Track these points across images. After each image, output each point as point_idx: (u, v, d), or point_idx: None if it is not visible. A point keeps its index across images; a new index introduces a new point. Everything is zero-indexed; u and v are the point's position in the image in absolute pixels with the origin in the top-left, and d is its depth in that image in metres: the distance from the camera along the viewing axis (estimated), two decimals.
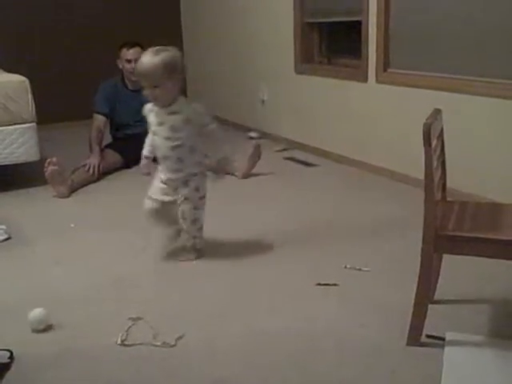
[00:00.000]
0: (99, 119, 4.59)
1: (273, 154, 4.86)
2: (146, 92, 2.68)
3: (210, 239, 3.08)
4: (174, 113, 2.69)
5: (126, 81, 4.67)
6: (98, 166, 4.30)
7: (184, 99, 2.76)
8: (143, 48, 4.58)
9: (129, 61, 4.55)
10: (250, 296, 2.53)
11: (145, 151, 2.90)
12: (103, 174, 4.42)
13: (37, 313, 2.29)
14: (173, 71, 2.64)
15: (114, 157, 4.55)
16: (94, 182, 4.32)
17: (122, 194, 4.03)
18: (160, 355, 2.10)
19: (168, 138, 2.70)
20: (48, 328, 2.29)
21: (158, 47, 2.67)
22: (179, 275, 2.75)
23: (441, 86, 3.58)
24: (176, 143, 2.69)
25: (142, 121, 4.81)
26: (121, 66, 4.63)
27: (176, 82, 2.68)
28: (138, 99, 4.64)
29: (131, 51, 4.56)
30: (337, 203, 3.68)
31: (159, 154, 2.78)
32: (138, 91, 4.65)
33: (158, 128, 2.74)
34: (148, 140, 2.88)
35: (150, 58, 2.64)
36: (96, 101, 4.66)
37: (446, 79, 3.56)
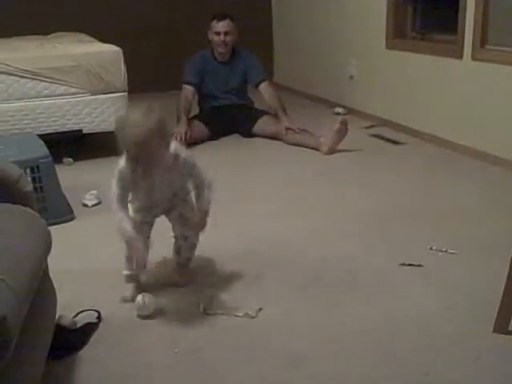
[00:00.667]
0: (187, 89, 4.65)
1: (359, 131, 4.78)
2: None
3: (290, 216, 3.08)
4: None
5: (215, 53, 4.69)
6: (186, 135, 4.36)
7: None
8: (233, 20, 4.59)
9: (218, 33, 4.57)
10: (332, 273, 2.51)
11: None
12: (190, 144, 4.48)
13: (140, 299, 2.21)
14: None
15: (200, 128, 4.60)
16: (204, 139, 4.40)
17: (208, 165, 4.06)
18: (241, 326, 2.13)
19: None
20: (156, 313, 2.24)
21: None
22: (260, 251, 2.76)
23: None
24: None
25: (230, 93, 4.85)
26: (210, 38, 4.66)
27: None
28: (226, 71, 4.68)
29: (221, 23, 4.57)
30: (424, 183, 3.58)
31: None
32: (226, 63, 4.69)
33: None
34: None
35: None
36: (185, 71, 4.72)
37: None
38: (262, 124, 4.64)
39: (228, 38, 4.58)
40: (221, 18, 4.61)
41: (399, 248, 2.70)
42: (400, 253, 2.64)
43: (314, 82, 6.15)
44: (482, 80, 3.91)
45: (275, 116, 4.63)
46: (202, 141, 4.59)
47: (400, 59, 4.72)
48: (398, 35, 4.77)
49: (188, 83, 4.66)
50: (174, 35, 6.37)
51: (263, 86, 4.66)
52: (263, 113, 4.70)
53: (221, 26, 4.57)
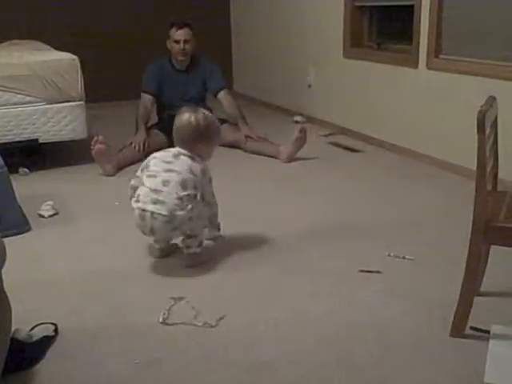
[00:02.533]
0: (146, 98, 4.62)
1: (318, 139, 4.83)
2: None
3: (252, 223, 3.08)
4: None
5: (174, 61, 4.68)
6: (144, 144, 4.33)
7: None
8: (192, 29, 4.59)
9: (177, 41, 4.56)
10: (292, 280, 2.52)
11: None
12: (149, 153, 4.45)
13: None
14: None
15: (159, 137, 4.57)
16: (141, 160, 4.34)
17: None
18: (201, 335, 2.11)
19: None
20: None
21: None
22: (222, 258, 2.76)
23: (494, 73, 3.48)
24: None
25: (189, 101, 4.84)
26: (169, 46, 4.64)
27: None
28: (184, 80, 4.67)
29: (180, 32, 4.56)
30: (381, 191, 3.63)
31: None
32: (185, 72, 4.68)
33: None
34: None
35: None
36: (143, 80, 4.69)
37: (501, 67, 3.47)
38: (222, 132, 4.63)
39: (187, 46, 4.57)
40: (180, 26, 4.59)
41: (358, 255, 2.73)
42: (358, 260, 2.67)
43: (273, 91, 6.18)
44: (436, 88, 3.99)
45: (234, 124, 4.64)
46: (161, 149, 4.54)
47: (357, 68, 4.78)
48: (355, 44, 4.84)
49: (146, 92, 4.63)
50: (134, 44, 6.34)
51: (222, 95, 4.66)
52: (222, 121, 4.70)
53: (180, 34, 4.56)
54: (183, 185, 2.48)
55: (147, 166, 2.61)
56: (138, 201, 2.54)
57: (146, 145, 4.35)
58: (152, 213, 2.47)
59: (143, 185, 2.54)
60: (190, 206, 2.47)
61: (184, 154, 2.58)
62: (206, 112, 2.70)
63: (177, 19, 4.72)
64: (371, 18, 4.83)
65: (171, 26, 4.63)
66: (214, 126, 2.68)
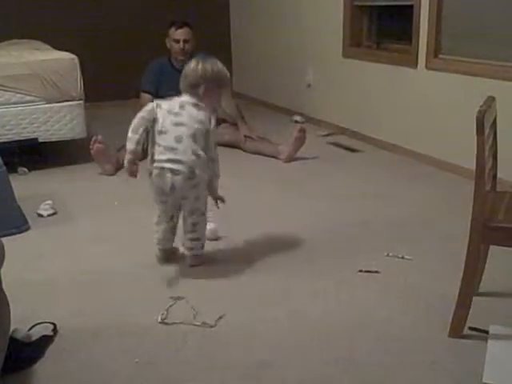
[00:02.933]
0: (145, 98, 4.61)
1: (317, 139, 4.83)
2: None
3: (251, 223, 3.09)
4: None
5: (173, 60, 4.68)
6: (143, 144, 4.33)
7: None
8: (192, 28, 4.59)
9: (177, 40, 4.56)
10: (291, 280, 2.52)
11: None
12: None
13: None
14: None
15: None
16: (140, 160, 4.35)
17: None
18: (200, 335, 2.12)
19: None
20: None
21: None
22: (221, 258, 2.76)
23: (494, 73, 3.48)
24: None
25: None
26: (169, 46, 4.65)
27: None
28: None
29: (180, 31, 4.57)
30: (380, 190, 3.63)
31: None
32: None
33: None
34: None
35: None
36: (143, 80, 4.69)
37: (500, 67, 3.47)
38: (221, 132, 4.63)
39: (187, 46, 4.57)
40: (179, 25, 4.61)
41: (357, 255, 2.73)
42: (358, 259, 2.67)
43: (272, 91, 6.18)
44: (435, 88, 3.99)
45: (234, 124, 4.63)
46: None
47: (356, 68, 4.78)
48: (354, 44, 4.84)
49: (146, 91, 4.63)
50: (134, 43, 6.33)
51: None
52: (221, 121, 4.70)
53: (180, 33, 4.57)
54: (194, 138, 2.45)
55: (155, 118, 2.51)
56: (154, 161, 2.48)
57: (145, 145, 4.35)
58: (171, 170, 2.43)
59: (155, 143, 2.49)
60: (204, 164, 2.49)
61: (189, 103, 2.51)
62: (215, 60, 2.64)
63: (176, 19, 4.73)
64: (370, 18, 4.83)
65: (171, 25, 4.64)
66: (223, 72, 2.62)
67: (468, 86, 3.68)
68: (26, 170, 4.05)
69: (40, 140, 4.06)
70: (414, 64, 4.13)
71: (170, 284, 2.50)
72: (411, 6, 4.09)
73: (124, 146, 4.28)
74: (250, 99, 6.47)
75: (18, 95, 3.95)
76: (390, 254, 2.70)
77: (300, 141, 4.25)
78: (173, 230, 2.67)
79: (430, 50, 3.96)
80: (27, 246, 2.91)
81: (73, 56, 4.14)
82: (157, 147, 2.48)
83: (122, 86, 5.98)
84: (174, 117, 2.48)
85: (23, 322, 2.10)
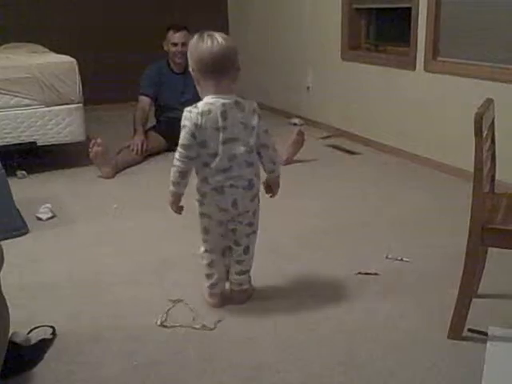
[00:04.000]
0: (144, 100, 4.63)
1: (316, 142, 4.83)
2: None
3: None
4: None
5: (171, 63, 4.69)
6: (142, 146, 4.35)
7: None
8: (189, 31, 4.60)
9: (175, 44, 4.58)
10: (290, 282, 2.52)
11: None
12: (147, 156, 4.46)
13: None
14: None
15: (157, 139, 4.58)
16: (139, 163, 4.36)
17: (165, 177, 4.05)
18: (199, 338, 2.11)
19: None
20: None
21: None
22: None
23: (492, 75, 3.49)
24: None
25: (186, 104, 4.83)
26: (166, 49, 4.66)
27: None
28: (181, 82, 4.68)
29: (177, 34, 4.58)
30: (379, 192, 3.63)
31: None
32: (182, 74, 4.68)
33: None
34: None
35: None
36: (141, 83, 4.70)
37: (498, 69, 3.47)
38: None
39: (185, 49, 4.56)
40: (177, 28, 4.62)
41: (356, 257, 2.73)
42: (357, 261, 2.67)
43: (271, 93, 6.18)
44: (434, 91, 3.99)
45: None
46: (159, 152, 4.57)
47: (355, 70, 4.79)
48: (353, 47, 4.84)
49: (144, 94, 4.64)
50: (133, 46, 6.33)
51: None
52: None
53: (177, 36, 4.59)
54: (247, 149, 2.15)
55: (201, 142, 2.10)
56: (207, 183, 2.13)
57: (144, 147, 4.37)
58: (231, 185, 2.13)
59: (206, 166, 2.12)
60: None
61: (230, 106, 2.13)
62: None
63: (174, 22, 4.74)
64: (369, 21, 4.84)
65: (168, 29, 4.67)
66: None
67: (466, 88, 3.69)
68: (24, 173, 4.05)
69: (39, 143, 4.07)
70: (412, 66, 4.13)
71: (169, 287, 2.49)
72: (409, 9, 4.10)
73: (122, 150, 4.33)
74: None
75: (17, 98, 3.96)
76: (389, 256, 2.70)
77: (298, 143, 4.25)
78: (227, 268, 2.36)
79: (429, 53, 3.97)
80: (26, 250, 2.90)
81: (71, 59, 4.14)
82: (208, 170, 2.13)
83: (121, 89, 5.98)
84: (221, 133, 2.11)
85: (22, 325, 2.10)
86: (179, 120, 2.18)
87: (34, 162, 4.21)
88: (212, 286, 2.32)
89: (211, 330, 2.16)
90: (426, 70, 4.03)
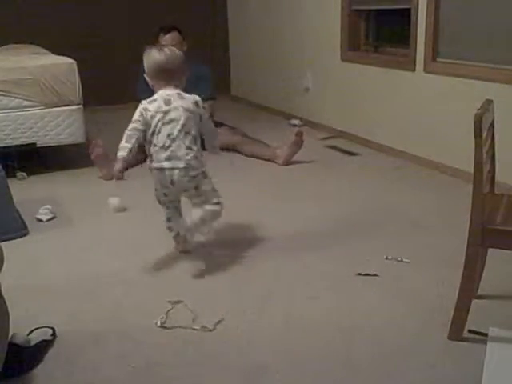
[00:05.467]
0: None
1: (315, 142, 4.83)
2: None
3: (249, 227, 3.08)
4: None
5: None
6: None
7: None
8: (181, 32, 4.56)
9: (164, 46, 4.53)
10: (290, 284, 2.52)
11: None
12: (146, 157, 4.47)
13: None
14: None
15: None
16: (141, 162, 4.36)
17: None
18: (198, 339, 2.11)
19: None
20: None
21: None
22: (220, 261, 2.76)
23: (491, 76, 3.49)
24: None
25: None
26: None
27: None
28: None
29: (167, 36, 4.51)
30: (379, 194, 3.63)
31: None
32: None
33: None
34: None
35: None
36: (137, 88, 4.69)
37: (497, 70, 3.47)
38: (219, 135, 4.64)
39: None
40: (167, 30, 4.55)
41: (355, 258, 2.73)
42: (356, 262, 2.67)
43: (270, 95, 6.19)
44: (433, 91, 4.00)
45: (232, 128, 4.64)
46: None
47: (355, 71, 4.79)
48: (352, 48, 4.85)
49: (142, 99, 4.62)
50: (132, 47, 6.32)
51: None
52: (219, 124, 4.70)
53: (167, 38, 4.50)
54: (185, 129, 2.54)
55: (145, 121, 2.57)
56: (152, 160, 2.58)
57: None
58: (170, 168, 2.54)
59: (151, 142, 2.57)
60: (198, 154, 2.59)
61: (172, 96, 2.59)
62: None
63: (166, 24, 4.65)
64: (368, 22, 4.84)
65: (159, 30, 4.58)
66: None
67: (466, 89, 3.69)
68: (24, 174, 4.05)
69: (39, 145, 4.07)
70: (412, 67, 4.13)
71: (168, 288, 2.49)
72: (409, 10, 4.10)
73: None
74: (248, 103, 6.48)
75: (17, 100, 3.96)
76: (389, 257, 2.70)
77: (297, 144, 4.25)
78: (179, 212, 2.76)
79: (428, 54, 3.97)
80: (26, 251, 2.90)
81: (71, 61, 4.14)
82: (152, 147, 2.57)
83: (121, 90, 5.98)
84: (164, 115, 2.55)
85: (22, 326, 2.09)
86: None
87: (34, 164, 4.21)
88: (175, 237, 2.79)
89: (211, 331, 2.16)
90: (425, 71, 4.03)
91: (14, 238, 3.00)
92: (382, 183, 3.84)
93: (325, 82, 5.23)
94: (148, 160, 2.63)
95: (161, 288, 2.50)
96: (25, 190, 3.73)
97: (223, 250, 2.86)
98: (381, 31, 4.81)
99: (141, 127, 2.57)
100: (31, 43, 5.23)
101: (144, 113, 2.57)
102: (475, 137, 1.84)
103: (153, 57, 2.65)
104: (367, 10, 4.76)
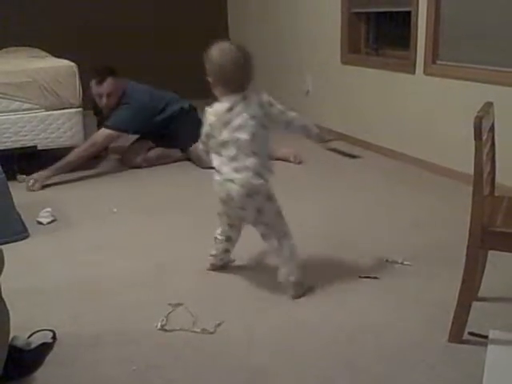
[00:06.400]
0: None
1: (316, 145, 4.81)
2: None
3: (249, 229, 3.09)
4: None
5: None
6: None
7: None
8: (114, 73, 4.26)
9: (99, 95, 4.27)
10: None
11: None
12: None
13: None
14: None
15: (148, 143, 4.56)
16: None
17: (166, 180, 4.07)
18: (199, 342, 2.11)
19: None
20: None
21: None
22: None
23: (491, 79, 3.49)
24: None
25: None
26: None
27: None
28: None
29: (100, 88, 4.23)
30: (379, 196, 3.64)
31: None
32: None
33: None
34: None
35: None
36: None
37: (498, 72, 3.47)
38: None
39: (110, 100, 4.26)
40: (99, 80, 4.23)
41: (356, 260, 2.73)
42: (357, 265, 2.67)
43: (270, 97, 6.17)
44: (434, 94, 4.00)
45: None
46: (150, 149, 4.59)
47: (355, 74, 4.79)
48: (352, 50, 4.85)
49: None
50: (131, 50, 6.34)
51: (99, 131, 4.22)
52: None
53: (101, 89, 4.23)
54: (253, 138, 2.29)
55: (211, 131, 2.32)
56: (218, 171, 2.33)
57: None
58: (232, 180, 2.29)
59: (217, 153, 2.32)
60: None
61: (237, 103, 2.33)
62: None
63: (96, 67, 4.29)
64: (368, 24, 4.85)
65: (93, 73, 4.26)
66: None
67: (466, 92, 3.69)
68: (25, 177, 4.04)
69: (39, 147, 4.07)
70: (412, 70, 4.14)
71: (169, 291, 2.49)
72: (409, 13, 4.10)
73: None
74: None
75: (17, 103, 3.96)
76: (390, 260, 2.70)
77: (290, 157, 4.35)
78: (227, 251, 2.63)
79: (428, 56, 3.97)
80: (27, 254, 2.90)
81: (71, 63, 4.15)
82: (217, 157, 2.33)
83: None
84: (227, 126, 2.30)
85: (23, 329, 2.09)
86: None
87: (34, 167, 4.20)
88: (211, 255, 2.63)
89: (211, 333, 2.16)
90: (425, 73, 4.03)
91: (15, 241, 3.01)
92: (382, 185, 3.84)
93: (325, 84, 5.23)
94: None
95: (161, 291, 2.50)
96: (25, 192, 3.73)
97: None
98: (381, 34, 4.81)
99: (206, 140, 2.37)
100: (31, 46, 5.23)
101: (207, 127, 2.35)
102: (475, 139, 1.84)
103: (221, 57, 2.35)
104: (367, 13, 4.77)
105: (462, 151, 3.21)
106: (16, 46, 5.24)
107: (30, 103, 3.99)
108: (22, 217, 3.19)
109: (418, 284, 2.49)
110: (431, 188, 3.75)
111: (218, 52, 2.35)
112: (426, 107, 4.09)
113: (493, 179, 2.20)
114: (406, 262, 2.67)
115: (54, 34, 5.92)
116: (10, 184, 3.14)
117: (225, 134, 2.28)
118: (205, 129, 2.36)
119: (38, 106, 4.01)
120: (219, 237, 2.58)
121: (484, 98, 2.19)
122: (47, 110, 4.04)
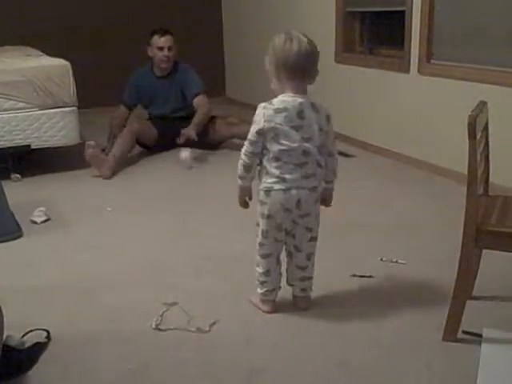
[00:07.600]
0: (122, 110, 4.75)
1: None
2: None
3: (245, 227, 3.08)
4: None
5: (156, 69, 4.67)
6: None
7: None
8: (173, 35, 4.59)
9: (161, 48, 4.56)
10: (284, 285, 2.51)
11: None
12: (139, 144, 4.58)
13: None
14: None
15: (150, 129, 4.60)
16: (133, 147, 4.46)
17: (160, 179, 4.06)
18: (194, 341, 2.11)
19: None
20: None
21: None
22: (214, 262, 2.76)
23: (485, 78, 3.50)
24: None
25: (171, 106, 4.79)
26: (151, 54, 4.63)
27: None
28: (166, 86, 4.65)
29: (163, 39, 4.57)
30: (374, 195, 3.64)
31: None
32: (165, 78, 4.67)
33: None
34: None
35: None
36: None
37: (491, 72, 3.48)
38: (218, 129, 4.71)
39: (171, 53, 4.60)
40: (162, 33, 4.61)
41: (350, 259, 2.73)
42: (351, 264, 2.67)
43: (264, 97, 6.16)
44: (428, 93, 4.01)
45: (224, 117, 4.78)
46: (149, 144, 4.66)
47: (349, 73, 4.80)
48: (346, 50, 4.85)
49: (123, 104, 4.76)
50: (126, 49, 6.33)
51: (196, 100, 4.62)
52: (213, 118, 4.74)
53: (163, 41, 4.58)
54: (320, 150, 2.20)
55: (275, 134, 2.17)
56: (280, 179, 2.13)
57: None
58: (302, 186, 2.16)
59: (278, 160, 2.13)
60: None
61: (306, 105, 2.29)
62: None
63: (158, 27, 4.72)
64: (363, 24, 4.85)
65: (152, 33, 4.64)
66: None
67: (460, 91, 3.70)
68: (19, 176, 4.04)
69: (33, 146, 4.05)
70: (406, 69, 4.14)
71: (163, 290, 2.49)
72: (403, 12, 4.11)
73: (108, 144, 4.37)
74: (244, 105, 6.47)
75: (11, 102, 3.95)
76: (384, 259, 2.71)
77: None
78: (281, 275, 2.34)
79: (422, 55, 3.98)
80: (20, 253, 2.90)
81: (65, 62, 4.13)
82: (284, 165, 2.14)
83: (115, 92, 5.96)
84: (298, 132, 2.17)
85: (17, 328, 2.08)
86: (171, 127, 2.22)
87: (28, 165, 4.20)
88: (266, 293, 2.28)
89: (206, 332, 2.16)
90: (419, 72, 4.04)
91: (9, 240, 3.00)
92: (376, 185, 3.84)
93: (319, 84, 5.20)
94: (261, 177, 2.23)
95: (156, 290, 2.49)
96: (19, 191, 3.71)
97: (218, 251, 2.85)
98: (375, 33, 4.82)
99: (259, 150, 2.21)
100: (25, 45, 5.21)
101: (266, 129, 2.20)
102: (469, 138, 1.84)
103: (288, 48, 2.26)
104: (362, 12, 4.77)
105: (457, 150, 3.22)
106: (10, 44, 5.21)
107: (23, 102, 3.97)
108: (16, 216, 3.18)
109: (412, 282, 2.50)
110: (425, 187, 3.76)
111: (292, 40, 2.27)
112: (420, 106, 4.09)
113: (487, 178, 2.21)
114: (400, 261, 2.68)
115: (48, 33, 5.89)
116: (4, 183, 3.14)
117: (294, 141, 2.13)
118: (260, 127, 2.19)
119: (31, 105, 3.99)
120: (268, 265, 2.26)
121: (478, 98, 2.19)
122: (41, 109, 4.02)
